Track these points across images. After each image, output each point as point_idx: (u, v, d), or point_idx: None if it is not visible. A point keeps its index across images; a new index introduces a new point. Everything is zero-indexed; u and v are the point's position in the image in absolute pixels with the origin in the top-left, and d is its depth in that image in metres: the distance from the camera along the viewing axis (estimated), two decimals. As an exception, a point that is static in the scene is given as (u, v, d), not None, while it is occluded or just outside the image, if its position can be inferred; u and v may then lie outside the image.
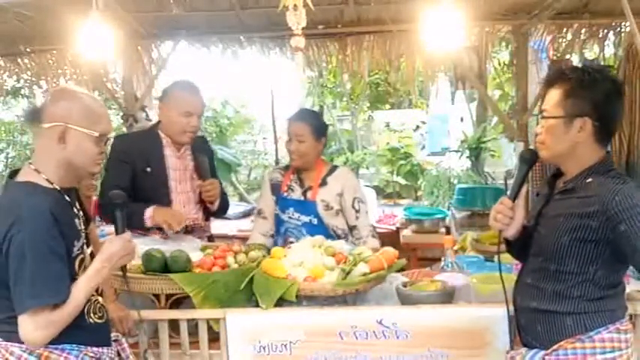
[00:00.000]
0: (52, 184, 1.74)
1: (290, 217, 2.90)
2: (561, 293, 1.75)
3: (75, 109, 1.74)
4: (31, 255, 1.61)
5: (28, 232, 1.62)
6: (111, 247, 1.80)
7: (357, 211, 2.91)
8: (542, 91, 1.87)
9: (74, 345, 1.72)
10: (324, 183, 2.90)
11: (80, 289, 1.70)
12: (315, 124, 2.88)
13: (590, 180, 1.74)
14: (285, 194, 2.93)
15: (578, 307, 1.73)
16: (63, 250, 1.69)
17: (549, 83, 1.83)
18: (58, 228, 1.67)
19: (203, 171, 2.82)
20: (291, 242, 2.83)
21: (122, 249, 1.81)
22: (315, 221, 2.85)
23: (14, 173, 1.79)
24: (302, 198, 2.91)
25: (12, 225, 1.62)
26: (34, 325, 1.61)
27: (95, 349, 1.78)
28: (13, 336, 1.67)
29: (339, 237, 2.86)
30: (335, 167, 3.01)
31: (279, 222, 2.94)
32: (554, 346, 1.74)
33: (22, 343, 1.67)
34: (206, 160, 2.84)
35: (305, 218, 2.87)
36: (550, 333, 1.76)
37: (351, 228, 2.92)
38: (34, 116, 1.75)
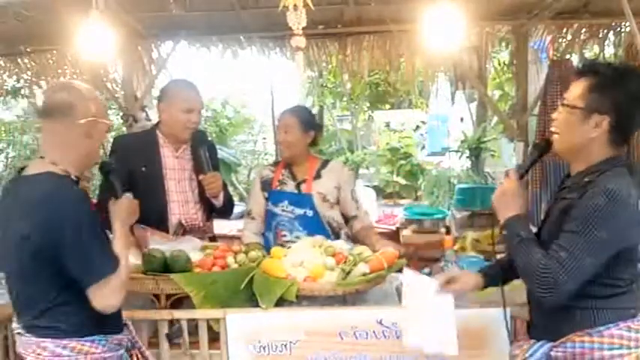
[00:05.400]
0: (68, 174, 1.82)
1: (283, 210, 2.90)
2: (575, 293, 1.69)
3: (97, 103, 1.87)
4: (89, 234, 1.74)
5: (79, 214, 1.73)
6: (120, 210, 1.95)
7: (357, 202, 2.98)
8: (572, 79, 1.84)
9: (101, 335, 1.81)
10: (318, 176, 2.92)
11: (121, 253, 1.84)
12: (302, 116, 2.94)
13: (587, 179, 1.73)
14: (278, 188, 2.94)
15: (588, 304, 1.71)
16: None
17: (580, 72, 1.81)
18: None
19: (202, 164, 2.77)
20: (284, 236, 2.87)
21: (128, 208, 1.98)
22: (310, 213, 2.86)
23: (22, 170, 1.86)
24: (295, 191, 2.92)
25: (56, 213, 1.70)
26: (111, 291, 1.75)
27: (117, 336, 1.88)
28: (45, 332, 1.76)
29: (333, 229, 2.90)
30: (327, 161, 3.04)
31: (270, 217, 2.94)
32: (562, 339, 1.73)
33: (56, 338, 1.75)
34: (204, 153, 2.77)
35: (299, 211, 2.87)
36: (559, 325, 1.75)
37: (350, 218, 2.96)
38: (51, 112, 1.81)
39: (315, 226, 2.82)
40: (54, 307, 1.76)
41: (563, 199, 1.81)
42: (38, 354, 1.76)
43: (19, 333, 1.82)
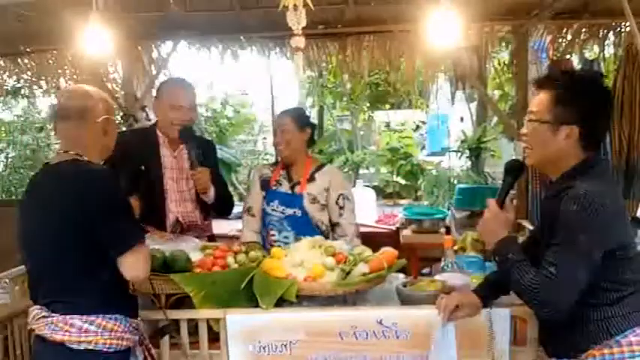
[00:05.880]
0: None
1: (273, 210, 2.92)
2: (579, 303, 1.68)
3: (108, 103, 2.05)
4: (122, 204, 1.91)
5: (112, 187, 1.90)
6: None
7: (341, 208, 2.93)
8: (532, 92, 1.86)
9: (122, 316, 1.92)
10: (312, 179, 2.93)
11: None
12: (295, 115, 2.97)
13: (564, 186, 1.72)
14: (274, 188, 2.97)
15: (599, 314, 1.69)
16: None
17: (539, 85, 1.83)
18: None
19: (191, 160, 2.77)
20: (272, 235, 2.90)
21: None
22: (299, 213, 2.87)
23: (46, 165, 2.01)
24: (289, 192, 2.93)
25: (92, 185, 1.86)
26: (143, 259, 1.89)
27: (134, 320, 1.99)
28: (71, 308, 1.84)
29: (322, 232, 2.88)
30: (323, 165, 3.05)
31: (264, 216, 2.97)
32: (583, 355, 1.71)
33: (83, 314, 1.84)
34: (193, 149, 2.77)
35: (289, 211, 2.88)
36: (577, 341, 1.73)
37: (334, 224, 2.93)
38: (70, 115, 1.96)
39: (303, 226, 2.81)
40: (81, 283, 1.86)
41: (551, 206, 1.80)
42: (66, 331, 1.83)
43: (43, 316, 1.86)
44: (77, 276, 1.86)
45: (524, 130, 1.83)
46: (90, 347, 1.84)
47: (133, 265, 1.86)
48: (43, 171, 1.99)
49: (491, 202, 1.87)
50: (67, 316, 1.84)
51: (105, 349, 1.86)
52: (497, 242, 1.80)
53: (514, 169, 1.95)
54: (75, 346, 1.83)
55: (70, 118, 1.95)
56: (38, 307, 1.90)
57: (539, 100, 1.79)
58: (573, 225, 1.62)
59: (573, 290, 1.63)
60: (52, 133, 8.66)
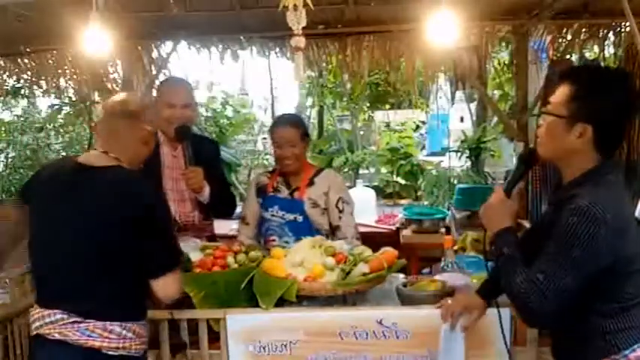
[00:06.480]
0: None
1: (273, 215, 2.90)
2: (582, 315, 1.66)
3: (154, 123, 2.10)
4: (169, 226, 1.97)
5: (163, 207, 1.95)
6: None
7: (341, 211, 2.91)
8: (556, 83, 1.78)
9: (145, 321, 1.99)
10: (311, 183, 2.92)
11: None
12: (300, 126, 2.94)
13: (571, 193, 1.65)
14: (272, 194, 2.95)
15: (604, 327, 1.65)
16: None
17: (562, 77, 1.75)
18: None
19: (184, 159, 2.75)
20: (272, 241, 2.87)
21: None
22: (300, 219, 2.86)
23: (75, 157, 2.00)
24: (289, 197, 2.92)
25: (149, 198, 1.90)
26: (176, 281, 1.92)
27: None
28: (112, 315, 1.85)
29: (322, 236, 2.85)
30: (321, 169, 3.04)
31: (262, 222, 2.95)
32: None
33: (122, 321, 1.85)
34: (187, 148, 2.75)
35: (290, 216, 2.87)
36: (585, 355, 1.69)
37: (335, 228, 2.91)
38: (124, 115, 1.99)
39: (304, 231, 2.79)
40: (123, 290, 1.88)
41: (551, 212, 1.78)
42: (106, 337, 1.84)
43: (75, 321, 1.83)
44: (121, 284, 1.87)
45: (540, 121, 1.77)
46: (124, 353, 1.87)
47: (168, 287, 1.90)
48: (77, 170, 1.91)
49: (498, 189, 1.83)
50: (107, 323, 1.84)
51: (137, 355, 1.91)
52: (496, 232, 1.76)
53: (529, 159, 1.89)
54: (112, 352, 1.85)
55: (124, 116, 1.97)
56: (60, 311, 1.84)
57: (558, 93, 1.70)
58: (570, 237, 1.56)
59: (558, 301, 1.58)
60: (52, 133, 8.65)
